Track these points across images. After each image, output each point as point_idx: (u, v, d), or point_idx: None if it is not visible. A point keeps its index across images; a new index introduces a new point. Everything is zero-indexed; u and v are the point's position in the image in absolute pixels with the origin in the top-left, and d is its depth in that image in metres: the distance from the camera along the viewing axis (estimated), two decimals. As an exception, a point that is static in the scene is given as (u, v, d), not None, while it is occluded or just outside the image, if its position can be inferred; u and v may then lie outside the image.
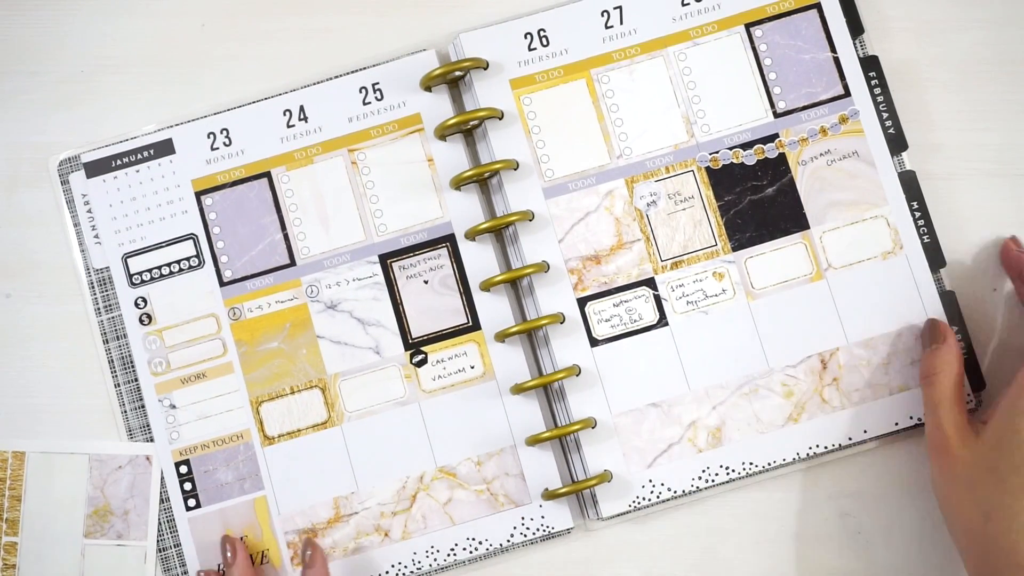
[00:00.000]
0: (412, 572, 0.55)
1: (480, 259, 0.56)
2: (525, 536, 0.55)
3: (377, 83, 0.57)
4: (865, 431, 0.55)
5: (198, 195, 0.57)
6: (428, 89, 0.57)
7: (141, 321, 0.56)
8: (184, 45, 0.58)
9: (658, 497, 0.55)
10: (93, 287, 0.57)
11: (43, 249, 0.57)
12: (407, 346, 0.56)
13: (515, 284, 0.57)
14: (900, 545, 0.56)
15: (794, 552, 0.56)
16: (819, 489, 0.56)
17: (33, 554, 0.55)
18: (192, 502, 0.55)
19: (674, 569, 0.56)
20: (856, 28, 0.57)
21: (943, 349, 0.53)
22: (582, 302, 0.56)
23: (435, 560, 0.55)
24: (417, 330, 0.56)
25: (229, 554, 0.53)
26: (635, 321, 0.56)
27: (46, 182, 0.58)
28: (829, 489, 0.56)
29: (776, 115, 0.57)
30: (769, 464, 0.55)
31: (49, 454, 0.56)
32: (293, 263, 0.56)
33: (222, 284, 0.56)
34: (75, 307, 0.57)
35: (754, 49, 0.57)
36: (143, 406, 0.56)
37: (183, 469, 0.55)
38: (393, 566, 0.55)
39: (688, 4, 0.57)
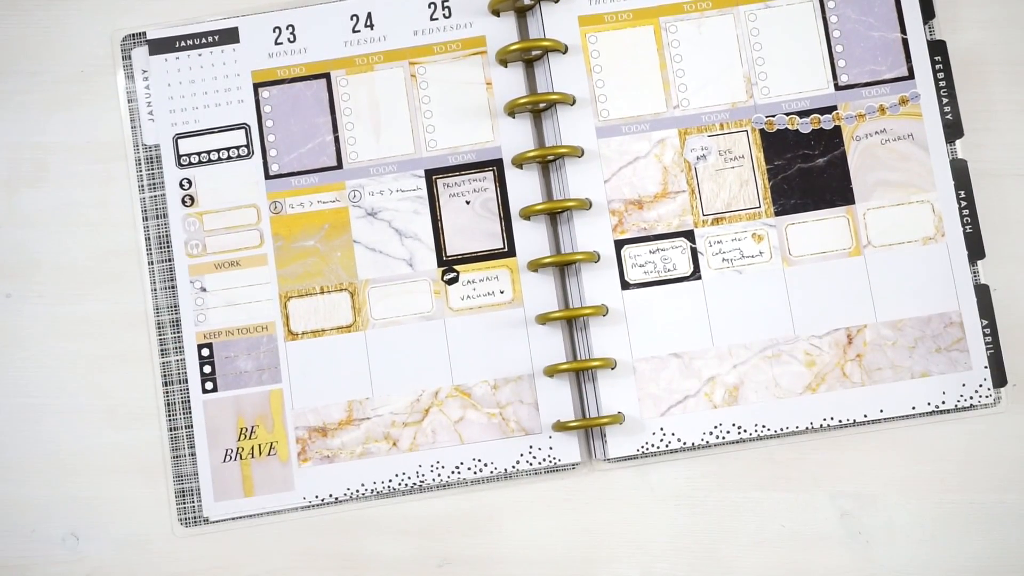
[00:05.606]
0: (415, 484, 0.55)
1: (524, 187, 0.56)
2: (531, 464, 0.55)
3: (447, 0, 0.57)
4: (881, 410, 0.55)
5: (256, 87, 0.57)
6: (496, 14, 0.57)
7: (183, 202, 0.57)
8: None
9: (667, 446, 0.55)
10: (140, 164, 0.57)
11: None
12: (440, 263, 0.56)
13: (555, 218, 0.57)
14: (900, 545, 0.56)
15: (794, 552, 0.56)
16: (819, 489, 0.56)
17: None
18: (209, 385, 0.56)
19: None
20: (928, 12, 0.57)
21: None
22: (619, 244, 0.56)
23: (439, 475, 0.55)
24: (452, 248, 0.56)
25: None
26: (669, 270, 0.56)
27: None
28: (829, 489, 0.56)
29: (837, 88, 0.57)
30: (781, 430, 0.55)
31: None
32: (340, 166, 0.57)
33: (267, 177, 0.57)
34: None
35: (825, 19, 0.57)
36: (174, 286, 0.56)
37: (204, 352, 0.56)
38: (397, 475, 0.55)
39: (765, -34, 0.57)
